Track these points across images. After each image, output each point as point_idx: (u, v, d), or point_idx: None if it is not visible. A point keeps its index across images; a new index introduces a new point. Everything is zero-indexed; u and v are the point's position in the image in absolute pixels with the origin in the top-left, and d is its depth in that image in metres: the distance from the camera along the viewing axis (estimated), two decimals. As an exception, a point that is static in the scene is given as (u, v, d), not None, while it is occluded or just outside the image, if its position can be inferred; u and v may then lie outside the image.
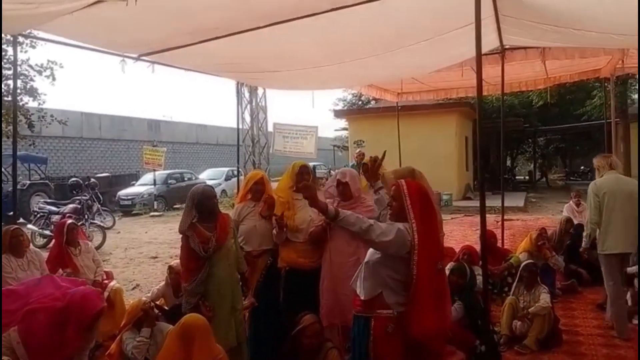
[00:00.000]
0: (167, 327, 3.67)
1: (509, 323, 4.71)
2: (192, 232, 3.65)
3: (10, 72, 12.62)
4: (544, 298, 4.68)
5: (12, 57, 12.45)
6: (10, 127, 12.79)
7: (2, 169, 17.92)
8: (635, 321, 5.01)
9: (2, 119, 12.66)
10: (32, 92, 13.55)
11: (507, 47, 6.98)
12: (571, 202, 8.94)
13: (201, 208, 3.73)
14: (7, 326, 3.25)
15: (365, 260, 2.92)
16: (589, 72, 10.02)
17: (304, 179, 4.22)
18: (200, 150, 36.05)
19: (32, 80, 13.47)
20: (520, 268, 5.03)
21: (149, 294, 4.94)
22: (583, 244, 5.24)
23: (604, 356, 4.38)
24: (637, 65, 9.01)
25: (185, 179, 21.83)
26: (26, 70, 13.12)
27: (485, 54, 6.97)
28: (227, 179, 22.64)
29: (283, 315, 3.94)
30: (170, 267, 4.75)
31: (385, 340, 2.75)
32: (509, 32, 5.66)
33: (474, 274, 4.84)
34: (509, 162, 27.53)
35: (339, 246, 3.76)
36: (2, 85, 12.87)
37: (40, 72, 13.48)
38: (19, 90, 5.81)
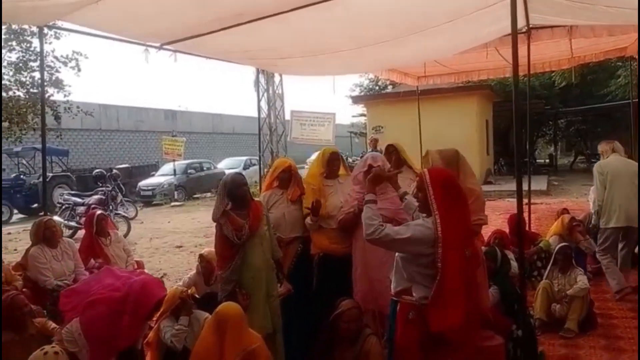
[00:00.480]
0: (203, 315, 3.68)
1: (543, 307, 4.66)
2: (225, 220, 3.64)
3: (36, 64, 12.81)
4: (582, 280, 4.62)
5: (37, 49, 12.69)
6: (36, 120, 12.98)
7: (24, 162, 18.29)
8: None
9: (29, 111, 12.82)
10: (58, 84, 13.67)
11: (533, 26, 6.83)
12: (621, 156, 8.69)
13: (233, 196, 3.72)
14: (71, 319, 3.29)
15: (396, 255, 2.92)
16: (614, 51, 9.77)
17: (334, 166, 4.19)
18: (217, 140, 36.18)
19: (57, 71, 13.58)
20: (555, 251, 4.96)
21: (179, 283, 4.96)
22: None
23: (641, 339, 4.30)
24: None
25: (204, 168, 21.98)
26: (51, 61, 13.23)
27: (509, 34, 6.83)
28: (246, 167, 22.71)
29: (316, 302, 3.93)
30: (201, 256, 4.76)
31: (404, 325, 2.80)
32: (536, 11, 5.54)
33: (507, 257, 4.77)
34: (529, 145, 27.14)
35: (373, 232, 3.70)
36: (28, 78, 13.06)
37: (65, 63, 13.58)
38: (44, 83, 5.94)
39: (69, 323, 3.30)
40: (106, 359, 3.12)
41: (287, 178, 4.28)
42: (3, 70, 12.95)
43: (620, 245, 5.57)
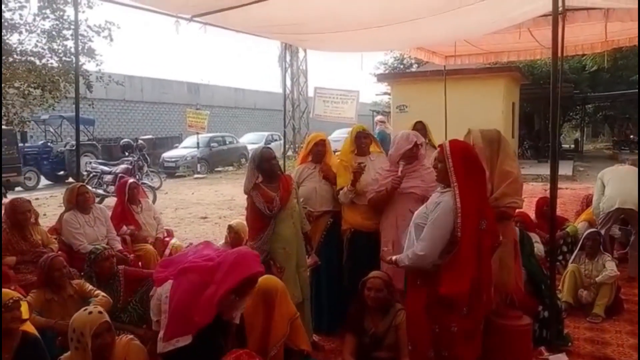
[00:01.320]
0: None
1: (570, 291, 4.67)
2: (256, 193, 3.71)
3: (69, 32, 12.94)
4: (611, 266, 4.61)
5: (70, 17, 12.79)
6: (69, 88, 13.15)
7: (51, 129, 18.59)
8: None
9: (62, 79, 12.98)
10: (90, 53, 13.80)
11: (568, 7, 6.68)
12: (626, 165, 8.61)
13: (262, 169, 3.78)
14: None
15: (414, 220, 2.96)
16: (651, 34, 9.53)
17: (363, 143, 4.21)
18: (238, 114, 36.26)
19: (90, 40, 13.69)
20: (583, 237, 4.93)
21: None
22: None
23: (668, 326, 4.29)
24: None
25: (227, 142, 22.12)
26: (85, 30, 13.34)
27: (545, 15, 6.68)
28: (267, 142, 22.78)
29: (345, 276, 3.99)
30: (230, 227, 4.85)
31: (413, 290, 2.92)
32: (573, -8, 5.42)
33: (530, 239, 4.73)
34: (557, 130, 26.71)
35: (404, 210, 3.72)
36: (61, 47, 13.20)
37: (98, 33, 13.69)
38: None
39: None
40: (182, 332, 2.83)
41: (321, 152, 4.31)
42: (37, 38, 13.07)
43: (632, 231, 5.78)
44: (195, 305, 2.79)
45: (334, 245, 4.23)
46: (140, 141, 14.08)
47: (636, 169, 5.84)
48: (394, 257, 2.99)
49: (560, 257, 5.75)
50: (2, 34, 10.72)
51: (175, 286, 2.90)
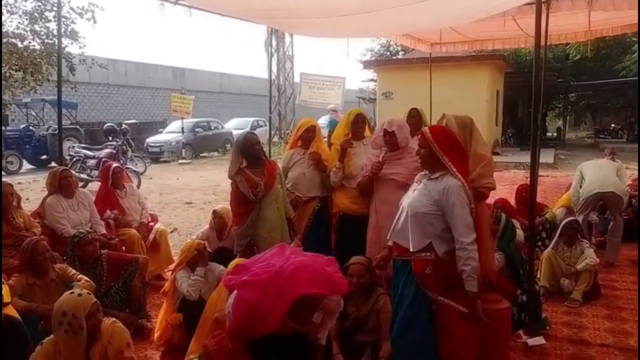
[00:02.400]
0: (217, 268, 3.81)
1: (547, 275, 4.78)
2: (240, 178, 3.74)
3: (52, 14, 12.69)
4: (590, 254, 4.73)
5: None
6: (51, 70, 12.93)
7: (33, 113, 18.29)
8: None
9: (44, 62, 12.74)
10: (73, 35, 13.56)
11: (553, -4, 6.72)
12: (604, 159, 8.78)
13: (246, 154, 3.81)
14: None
15: (411, 213, 2.90)
16: (632, 26, 9.60)
17: (359, 127, 4.23)
18: (224, 99, 36.01)
19: (73, 22, 13.45)
20: (562, 225, 5.02)
21: (192, 237, 5.07)
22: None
23: (642, 310, 4.43)
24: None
25: (212, 127, 22.00)
26: (68, 12, 13.09)
27: (530, 3, 6.72)
28: (253, 128, 22.68)
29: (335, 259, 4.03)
30: (214, 212, 4.86)
31: (424, 278, 2.86)
32: (558, -20, 5.45)
33: (512, 223, 4.81)
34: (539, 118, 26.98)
35: (384, 196, 3.78)
36: (43, 29, 12.94)
37: (81, 15, 13.44)
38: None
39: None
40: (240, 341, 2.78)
41: (311, 138, 4.33)
42: (19, 20, 12.80)
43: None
44: (252, 326, 2.71)
45: (322, 230, 4.29)
46: (124, 126, 13.95)
47: (614, 163, 6.08)
48: (470, 289, 2.81)
49: (540, 243, 5.86)
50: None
51: (236, 300, 2.82)
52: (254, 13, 6.47)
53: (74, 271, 3.70)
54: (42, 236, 4.16)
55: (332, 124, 12.79)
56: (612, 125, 28.64)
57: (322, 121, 21.28)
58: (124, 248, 4.91)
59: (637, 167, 12.34)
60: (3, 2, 12.43)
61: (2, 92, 13.26)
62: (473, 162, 3.41)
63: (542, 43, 7.67)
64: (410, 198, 2.98)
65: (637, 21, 9.29)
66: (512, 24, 7.91)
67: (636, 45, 18.33)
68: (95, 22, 13.85)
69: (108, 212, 5.11)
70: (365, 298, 3.42)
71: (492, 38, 10.22)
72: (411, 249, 2.88)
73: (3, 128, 15.38)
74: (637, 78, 17.42)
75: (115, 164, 5.52)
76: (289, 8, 6.01)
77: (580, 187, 5.88)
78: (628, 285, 5.07)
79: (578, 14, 7.66)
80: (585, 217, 5.79)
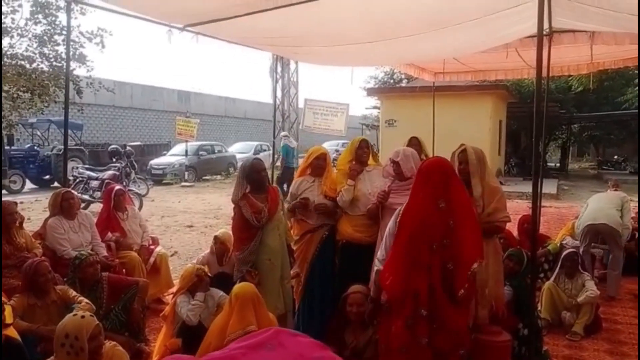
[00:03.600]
0: (218, 293, 3.80)
1: (548, 308, 4.74)
2: (244, 203, 3.75)
3: (61, 37, 12.94)
4: (591, 286, 4.70)
5: (62, 23, 12.76)
6: (58, 92, 13.11)
7: (38, 133, 18.45)
8: None
9: (52, 84, 12.94)
10: (82, 59, 13.82)
11: (555, 29, 6.83)
12: (609, 191, 8.79)
13: (251, 180, 3.83)
14: None
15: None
16: (634, 59, 9.72)
17: (364, 154, 4.26)
18: (228, 123, 36.29)
19: (81, 46, 13.72)
20: (562, 257, 5.01)
21: (193, 261, 5.07)
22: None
23: (644, 345, 4.38)
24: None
25: (216, 151, 22.12)
26: (77, 36, 13.37)
27: (532, 36, 6.82)
28: (256, 152, 22.83)
29: (337, 287, 4.01)
30: (216, 237, 4.87)
31: None
32: (560, 14, 5.52)
33: (529, 260, 4.76)
34: (540, 148, 27.07)
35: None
36: (52, 52, 13.21)
37: (90, 39, 13.71)
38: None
39: None
40: None
41: (321, 166, 4.31)
42: (28, 42, 13.05)
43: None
44: None
45: (328, 259, 4.26)
46: (128, 147, 14.06)
47: (617, 195, 6.09)
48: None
49: (542, 275, 5.83)
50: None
51: None
52: (259, 41, 6.58)
53: (74, 293, 3.70)
54: (43, 257, 4.16)
55: (285, 150, 12.99)
56: (615, 156, 28.65)
57: (326, 147, 21.48)
58: (124, 271, 4.90)
59: (637, 198, 12.38)
60: (14, 25, 12.68)
61: (10, 113, 13.42)
62: (488, 195, 3.47)
63: (544, 74, 7.84)
64: None
65: (638, 55, 9.47)
66: (515, 55, 8.01)
67: (637, 79, 18.47)
68: (103, 46, 14.13)
69: (109, 234, 5.12)
70: (364, 327, 3.41)
71: (495, 69, 10.35)
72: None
73: (8, 147, 15.48)
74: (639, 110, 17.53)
75: (118, 187, 5.56)
76: (294, 36, 6.12)
77: None
78: (630, 319, 5.02)
79: (580, 47, 7.77)
80: (586, 249, 5.78)
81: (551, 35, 7.09)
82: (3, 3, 12.06)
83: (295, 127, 24.60)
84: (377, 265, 3.10)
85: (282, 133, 12.77)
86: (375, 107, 27.23)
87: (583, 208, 6.13)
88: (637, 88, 18.45)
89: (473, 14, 5.11)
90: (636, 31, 6.44)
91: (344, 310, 3.47)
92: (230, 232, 4.32)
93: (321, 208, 4.12)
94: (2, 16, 12.28)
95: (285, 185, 11.16)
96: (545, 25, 6.18)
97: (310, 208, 4.17)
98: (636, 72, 17.90)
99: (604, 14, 4.90)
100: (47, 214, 4.93)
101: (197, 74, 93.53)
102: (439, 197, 2.92)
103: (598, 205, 5.90)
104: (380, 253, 3.11)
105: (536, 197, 3.75)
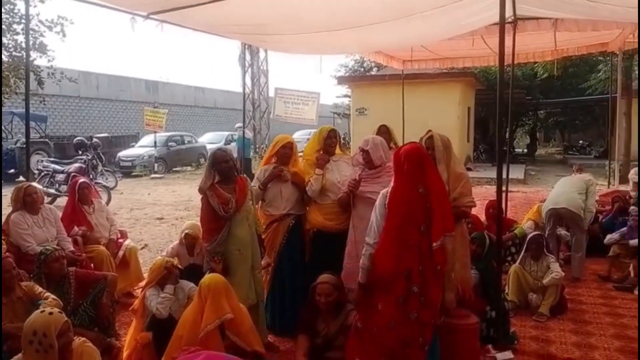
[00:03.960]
0: (188, 285, 3.77)
1: (515, 290, 4.86)
2: (212, 193, 3.72)
3: (20, 27, 12.51)
4: (555, 268, 4.80)
5: (21, 11, 12.33)
6: (19, 84, 12.70)
7: (2, 127, 17.89)
8: (636, 292, 5.20)
9: (12, 75, 12.53)
10: (42, 49, 13.38)
11: (519, 17, 6.92)
12: (574, 175, 9.01)
13: (218, 170, 3.78)
14: None
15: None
16: (597, 45, 9.98)
17: (332, 143, 4.26)
18: (198, 113, 35.82)
19: (42, 35, 13.29)
20: (527, 240, 5.12)
21: (163, 253, 5.01)
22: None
23: (607, 324, 4.53)
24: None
25: (186, 141, 21.84)
26: (36, 25, 12.94)
27: (497, 24, 6.90)
28: (227, 142, 22.61)
29: (309, 276, 4.03)
30: (186, 234, 4.78)
31: None
32: (524, 2, 5.62)
33: (494, 245, 4.87)
34: (508, 134, 27.57)
35: (361, 213, 3.82)
36: (11, 42, 12.77)
37: (50, 28, 13.28)
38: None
39: None
40: None
41: (288, 154, 4.29)
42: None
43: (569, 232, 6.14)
44: None
45: (296, 247, 4.27)
46: (95, 139, 13.74)
47: (581, 179, 6.17)
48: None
49: (509, 258, 5.97)
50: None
51: None
52: (226, 29, 6.50)
53: (40, 289, 3.61)
54: (7, 253, 4.06)
55: (240, 141, 12.93)
56: (580, 141, 29.38)
57: (298, 136, 21.38)
58: (92, 265, 4.81)
59: (605, 183, 12.76)
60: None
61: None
62: (453, 181, 3.55)
63: (509, 62, 7.96)
64: None
65: (601, 42, 9.70)
66: (481, 42, 8.11)
67: (601, 65, 18.93)
68: (64, 35, 13.72)
69: (76, 228, 5.01)
70: (335, 315, 3.44)
71: (462, 56, 10.47)
72: None
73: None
74: (602, 96, 17.99)
75: (82, 180, 5.43)
76: (261, 24, 6.06)
77: None
78: (594, 299, 5.18)
79: (544, 34, 7.91)
80: (551, 232, 5.93)
81: (515, 22, 7.18)
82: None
83: (266, 116, 24.47)
84: (368, 249, 3.14)
85: (237, 124, 12.65)
86: (346, 96, 27.26)
87: (550, 192, 6.26)
88: (600, 74, 18.89)
89: (439, 1, 5.14)
90: (597, 18, 6.63)
91: (314, 299, 3.49)
92: (199, 224, 4.28)
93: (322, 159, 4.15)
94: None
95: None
96: (510, 13, 6.27)
97: (286, 178, 4.17)
98: (600, 58, 18.32)
99: (566, 1, 4.99)
100: (10, 209, 4.80)
101: (165, 63, 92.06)
102: (418, 183, 3.06)
103: (562, 189, 6.02)
104: (370, 238, 3.15)
105: (500, 183, 3.84)
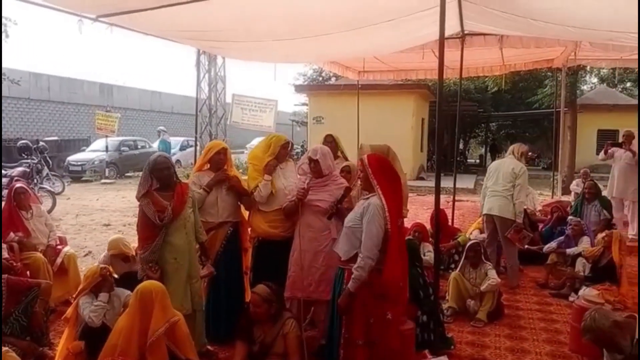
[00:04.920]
0: (124, 293, 3.70)
1: (455, 297, 4.98)
2: (148, 201, 3.62)
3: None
4: (492, 275, 4.96)
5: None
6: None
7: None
8: (571, 298, 5.41)
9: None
10: (-18, 49, 12.87)
11: (467, 32, 7.14)
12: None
13: (157, 177, 3.71)
14: None
15: (345, 226, 3.26)
16: (542, 62, 10.44)
17: (287, 153, 4.30)
18: (154, 118, 35.09)
19: (-17, 36, 12.79)
20: (466, 248, 5.26)
21: (96, 263, 4.91)
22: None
23: (541, 329, 4.70)
24: (589, 57, 9.45)
25: (139, 146, 21.34)
26: (-25, 25, 12.46)
27: (446, 38, 7.08)
28: (182, 149, 22.28)
29: (253, 284, 4.02)
30: (113, 255, 4.74)
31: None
32: (470, 18, 5.79)
33: (415, 248, 4.98)
34: (461, 146, 28.27)
35: (308, 221, 3.87)
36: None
37: (-9, 28, 12.81)
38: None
39: None
40: None
41: (222, 160, 4.26)
42: None
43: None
44: None
45: (234, 255, 4.26)
46: (41, 143, 13.30)
47: (513, 167, 5.98)
48: (349, 286, 3.13)
49: (453, 265, 6.12)
50: None
51: None
52: (178, 34, 6.42)
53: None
54: None
55: (164, 144, 12.81)
56: (529, 153, 30.41)
57: (255, 143, 21.28)
58: (28, 273, 4.66)
59: (549, 194, 13.25)
60: None
61: None
62: None
63: (458, 75, 8.19)
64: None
65: (546, 58, 10.13)
66: (432, 55, 8.31)
67: (547, 80, 19.70)
68: (7, 36, 13.27)
69: (12, 234, 4.84)
70: (272, 323, 3.44)
71: (415, 68, 10.71)
72: (342, 258, 3.25)
73: None
74: (549, 110, 18.68)
75: (18, 185, 5.26)
76: (215, 31, 6.02)
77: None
78: (530, 305, 5.37)
79: (492, 49, 8.19)
80: (490, 239, 6.11)
81: (463, 37, 7.42)
82: None
83: (223, 122, 24.24)
84: (368, 262, 3.06)
85: (159, 127, 12.48)
86: (304, 104, 27.34)
87: (484, 182, 6.36)
88: (546, 89, 19.64)
89: (389, 14, 5.26)
90: (539, 35, 6.92)
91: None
92: (121, 238, 4.35)
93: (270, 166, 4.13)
94: None
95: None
96: (458, 28, 6.47)
97: (230, 183, 4.17)
98: (548, 74, 19.08)
99: (510, 18, 5.18)
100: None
101: (121, 66, 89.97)
102: (399, 190, 3.29)
103: (494, 188, 6.03)
104: (371, 250, 3.07)
105: (439, 192, 3.96)
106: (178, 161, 20.56)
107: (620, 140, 8.25)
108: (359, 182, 3.45)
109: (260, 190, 4.10)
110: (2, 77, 13.65)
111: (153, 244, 3.56)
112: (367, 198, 3.22)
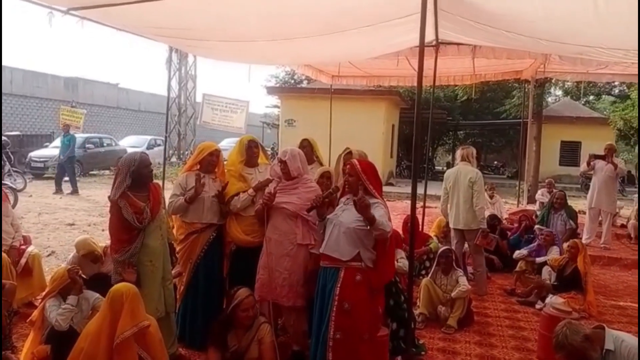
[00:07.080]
0: (92, 296, 3.59)
1: (426, 303, 5.02)
2: (124, 202, 3.49)
3: None
4: (463, 282, 5.02)
5: None
6: None
7: None
8: (537, 306, 5.53)
9: None
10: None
11: (441, 41, 7.23)
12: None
13: (137, 176, 3.57)
14: None
15: (343, 229, 3.28)
16: (511, 73, 10.70)
17: (253, 154, 4.23)
18: (121, 115, 34.37)
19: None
20: (438, 254, 5.33)
21: (64, 264, 4.75)
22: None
23: (509, 336, 4.79)
24: (556, 70, 9.72)
25: (105, 144, 20.89)
26: None
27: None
28: (150, 147, 21.87)
29: (224, 291, 3.96)
30: (83, 256, 4.60)
31: (353, 287, 3.25)
32: (445, 27, 5.86)
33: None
34: (430, 153, 28.67)
35: (276, 224, 3.82)
36: None
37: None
38: None
39: None
40: None
41: (214, 162, 4.20)
42: None
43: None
44: None
45: (215, 260, 4.19)
46: (4, 138, 12.85)
47: (469, 176, 6.05)
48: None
49: (424, 272, 6.16)
50: None
51: None
52: (152, 31, 6.29)
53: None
54: None
55: (73, 139, 12.47)
56: (495, 162, 31.03)
57: (225, 144, 21.07)
58: (-11, 273, 4.47)
59: (515, 203, 13.55)
60: None
61: None
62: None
63: (431, 84, 8.30)
64: (340, 217, 3.35)
65: (515, 69, 10.37)
66: (405, 63, 8.40)
67: (515, 91, 20.17)
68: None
69: (-26, 234, 4.65)
70: (246, 329, 3.40)
71: (388, 75, 10.79)
72: (343, 259, 3.26)
73: None
74: (515, 120, 19.12)
75: (-16, 182, 5.06)
76: (189, 29, 5.92)
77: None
78: (499, 312, 5.47)
79: (464, 59, 8.32)
80: (458, 246, 6.17)
81: (437, 46, 7.50)
82: None
83: (192, 122, 23.94)
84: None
85: (64, 119, 12.26)
86: (276, 106, 27.31)
87: (443, 193, 6.33)
88: (514, 100, 20.10)
89: (365, 20, 5.27)
90: (511, 47, 7.07)
91: (234, 314, 3.43)
92: (89, 238, 4.24)
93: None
94: None
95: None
96: (432, 37, 6.54)
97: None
98: (515, 84, 19.54)
99: (484, 29, 5.27)
100: None
101: (88, 61, 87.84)
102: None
103: (456, 201, 6.04)
104: (367, 253, 3.25)
105: (415, 198, 3.98)
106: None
107: (602, 152, 8.45)
108: (345, 184, 3.48)
109: (238, 200, 4.05)
110: None
111: (132, 247, 3.46)
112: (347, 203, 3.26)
